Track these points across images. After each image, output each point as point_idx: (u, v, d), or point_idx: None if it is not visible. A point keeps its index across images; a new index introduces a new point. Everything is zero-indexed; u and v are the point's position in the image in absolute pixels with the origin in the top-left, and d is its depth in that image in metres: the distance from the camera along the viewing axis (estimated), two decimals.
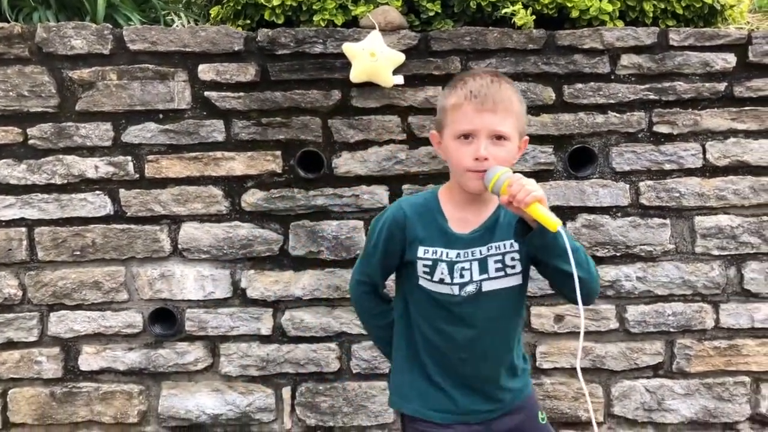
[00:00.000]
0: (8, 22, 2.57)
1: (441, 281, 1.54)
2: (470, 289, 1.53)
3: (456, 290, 1.53)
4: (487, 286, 1.53)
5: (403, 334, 1.64)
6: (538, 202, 1.37)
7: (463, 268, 1.53)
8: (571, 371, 2.47)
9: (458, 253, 1.53)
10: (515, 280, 1.55)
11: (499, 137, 1.48)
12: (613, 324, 2.46)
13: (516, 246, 1.54)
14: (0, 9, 2.70)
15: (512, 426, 1.60)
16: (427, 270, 1.54)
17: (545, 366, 2.47)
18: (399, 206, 1.60)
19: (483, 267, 1.53)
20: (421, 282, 1.56)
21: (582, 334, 1.41)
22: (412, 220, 1.56)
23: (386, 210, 1.63)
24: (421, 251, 1.55)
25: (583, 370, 2.45)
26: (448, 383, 1.58)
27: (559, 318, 2.46)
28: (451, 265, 1.53)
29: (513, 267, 1.54)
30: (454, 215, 1.56)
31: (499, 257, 1.54)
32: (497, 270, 1.54)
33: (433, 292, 1.55)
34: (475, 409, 1.58)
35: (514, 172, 1.43)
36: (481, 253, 1.54)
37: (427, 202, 1.60)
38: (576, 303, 1.41)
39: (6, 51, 2.39)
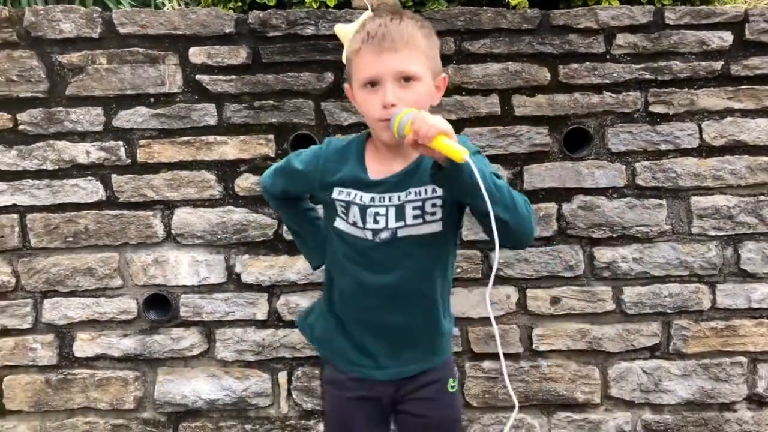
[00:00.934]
0: None
1: (354, 224, 1.49)
2: (384, 236, 1.46)
3: (369, 235, 1.47)
4: (402, 233, 1.45)
5: (327, 279, 1.65)
6: (443, 135, 1.24)
7: (377, 213, 1.46)
8: (567, 353, 2.46)
9: (372, 197, 1.46)
10: (435, 227, 1.46)
11: (407, 78, 1.37)
12: (610, 306, 2.45)
13: (438, 192, 1.43)
14: None
15: (420, 387, 1.56)
16: (343, 211, 1.51)
17: (542, 348, 2.45)
18: (326, 144, 1.58)
19: (400, 214, 1.45)
20: (337, 223, 1.52)
21: (493, 277, 1.31)
22: (333, 161, 1.52)
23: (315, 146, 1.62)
24: (336, 192, 1.51)
25: (580, 352, 2.45)
26: (364, 336, 1.54)
27: (555, 300, 2.44)
28: (363, 209, 1.47)
29: (433, 214, 1.45)
30: (374, 165, 1.50)
31: (419, 203, 1.44)
32: (415, 217, 1.45)
33: (348, 235, 1.50)
34: (389, 365, 1.54)
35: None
36: (399, 199, 1.45)
37: (350, 146, 1.54)
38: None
39: None
